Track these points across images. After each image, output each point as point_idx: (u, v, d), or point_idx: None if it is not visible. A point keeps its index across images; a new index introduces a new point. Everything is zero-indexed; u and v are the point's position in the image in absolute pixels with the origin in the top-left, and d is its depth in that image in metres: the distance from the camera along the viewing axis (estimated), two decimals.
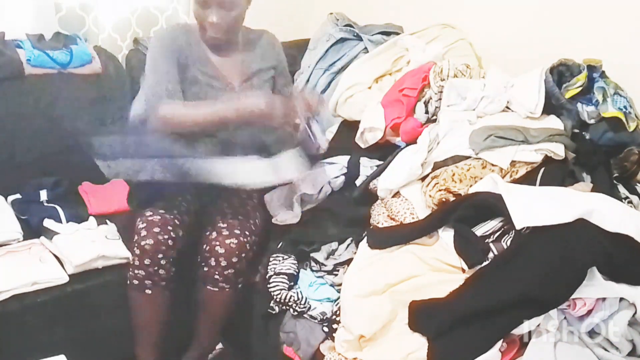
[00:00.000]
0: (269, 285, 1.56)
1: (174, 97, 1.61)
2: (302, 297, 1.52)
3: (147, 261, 1.55)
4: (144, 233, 1.56)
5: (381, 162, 1.72)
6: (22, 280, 1.55)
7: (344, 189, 1.75)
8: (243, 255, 1.60)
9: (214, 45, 1.68)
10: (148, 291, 1.58)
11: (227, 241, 1.58)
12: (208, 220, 1.71)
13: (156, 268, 1.56)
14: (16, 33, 1.94)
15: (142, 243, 1.55)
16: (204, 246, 1.61)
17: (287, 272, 1.57)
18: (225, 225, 1.63)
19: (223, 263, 1.58)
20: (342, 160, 1.79)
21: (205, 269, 1.61)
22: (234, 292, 1.63)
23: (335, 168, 1.77)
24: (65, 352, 1.25)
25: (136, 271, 1.57)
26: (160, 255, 1.55)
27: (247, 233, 1.63)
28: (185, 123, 1.59)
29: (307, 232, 1.66)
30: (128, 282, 1.59)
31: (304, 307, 1.51)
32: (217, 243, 1.58)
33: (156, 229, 1.56)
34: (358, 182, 1.73)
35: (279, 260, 1.60)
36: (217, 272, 1.59)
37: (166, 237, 1.56)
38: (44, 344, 1.56)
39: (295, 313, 1.53)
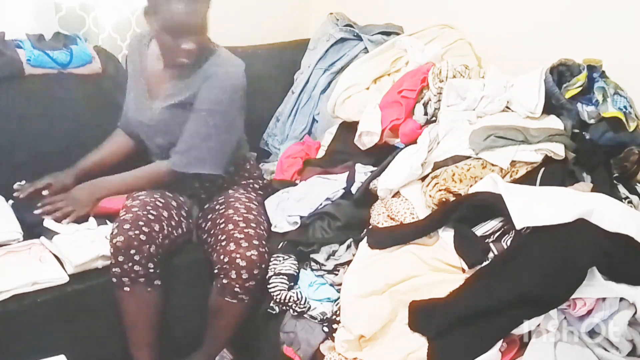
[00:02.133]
0: (269, 286, 1.56)
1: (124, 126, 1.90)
2: (302, 297, 1.52)
3: (120, 258, 1.55)
4: (115, 231, 1.57)
5: (375, 168, 1.72)
6: (22, 280, 1.54)
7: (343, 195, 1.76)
8: (263, 266, 1.59)
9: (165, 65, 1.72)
10: (126, 288, 1.58)
11: (248, 253, 1.56)
12: (206, 218, 1.73)
13: (130, 264, 1.56)
14: (16, 33, 1.94)
15: (114, 241, 1.55)
16: (222, 257, 1.59)
17: (287, 273, 1.57)
18: (242, 235, 1.61)
19: (245, 276, 1.56)
20: (342, 177, 1.79)
21: (225, 281, 1.58)
22: (252, 302, 1.62)
23: (336, 185, 1.77)
24: (65, 352, 1.25)
25: (114, 269, 1.57)
26: (132, 252, 1.55)
27: (264, 242, 1.63)
28: None
29: (307, 234, 1.67)
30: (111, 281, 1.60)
31: (304, 307, 1.51)
32: (238, 255, 1.56)
33: (126, 226, 1.56)
34: (354, 189, 1.73)
35: (279, 261, 1.60)
36: (238, 285, 1.57)
37: (137, 232, 1.56)
38: (44, 344, 1.55)
39: (295, 313, 1.53)
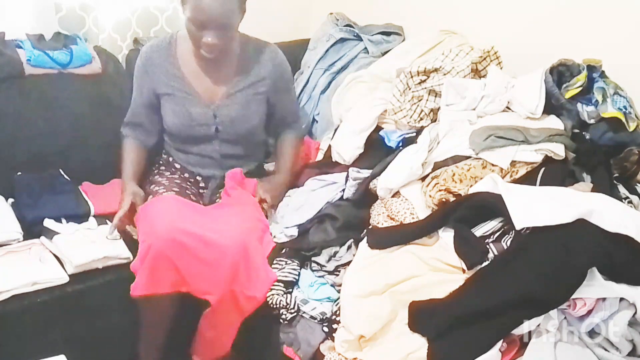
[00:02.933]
0: None
1: (133, 123, 1.86)
2: (293, 302, 1.51)
3: None
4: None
5: (370, 171, 1.70)
6: (22, 280, 1.54)
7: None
8: None
9: (204, 60, 1.71)
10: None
11: None
12: None
13: None
14: (16, 33, 1.94)
15: None
16: None
17: (284, 280, 1.55)
18: None
19: None
20: (341, 178, 1.77)
21: None
22: None
23: (336, 188, 1.75)
24: (65, 352, 1.25)
25: None
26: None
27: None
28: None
29: (307, 240, 1.65)
30: None
31: (294, 313, 1.51)
32: None
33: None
34: (346, 194, 1.71)
35: (281, 265, 1.59)
36: None
37: None
38: (44, 344, 1.56)
39: (286, 319, 1.52)
